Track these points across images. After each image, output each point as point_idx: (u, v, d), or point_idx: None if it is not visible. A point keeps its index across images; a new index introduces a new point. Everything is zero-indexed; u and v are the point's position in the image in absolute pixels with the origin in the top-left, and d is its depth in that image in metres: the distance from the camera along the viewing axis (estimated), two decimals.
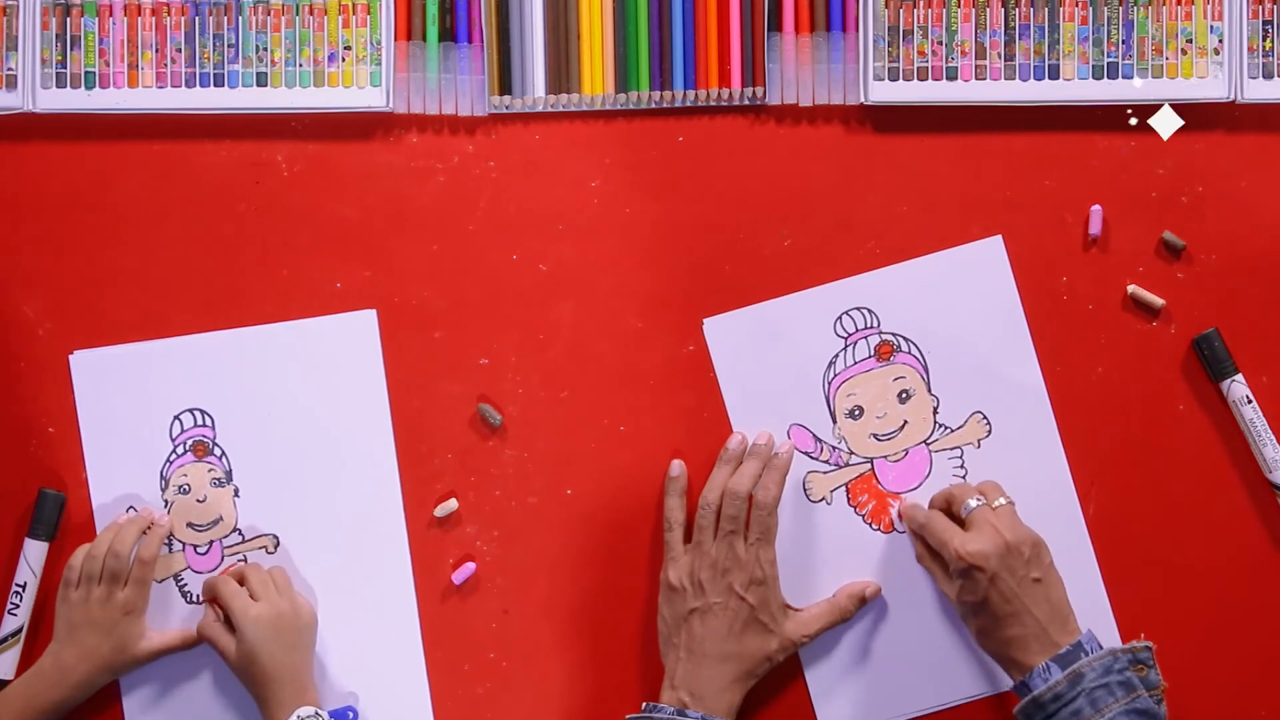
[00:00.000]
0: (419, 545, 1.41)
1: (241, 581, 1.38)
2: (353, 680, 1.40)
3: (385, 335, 1.41)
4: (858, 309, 1.41)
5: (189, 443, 1.42)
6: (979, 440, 1.40)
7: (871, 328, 1.41)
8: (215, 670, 1.40)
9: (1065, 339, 1.41)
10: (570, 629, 1.41)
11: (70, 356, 1.41)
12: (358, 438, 1.41)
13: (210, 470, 1.41)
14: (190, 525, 1.41)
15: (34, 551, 1.39)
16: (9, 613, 1.39)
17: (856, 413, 1.41)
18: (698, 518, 1.37)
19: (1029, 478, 1.38)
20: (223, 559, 1.41)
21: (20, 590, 1.39)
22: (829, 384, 1.41)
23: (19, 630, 1.39)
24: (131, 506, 1.41)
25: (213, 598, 1.38)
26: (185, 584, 1.41)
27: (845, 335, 1.41)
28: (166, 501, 1.41)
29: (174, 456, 1.42)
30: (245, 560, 1.41)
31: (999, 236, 1.41)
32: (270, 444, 1.41)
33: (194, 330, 1.41)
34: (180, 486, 1.41)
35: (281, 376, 1.41)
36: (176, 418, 1.41)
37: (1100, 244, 1.41)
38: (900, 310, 1.41)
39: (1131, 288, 1.41)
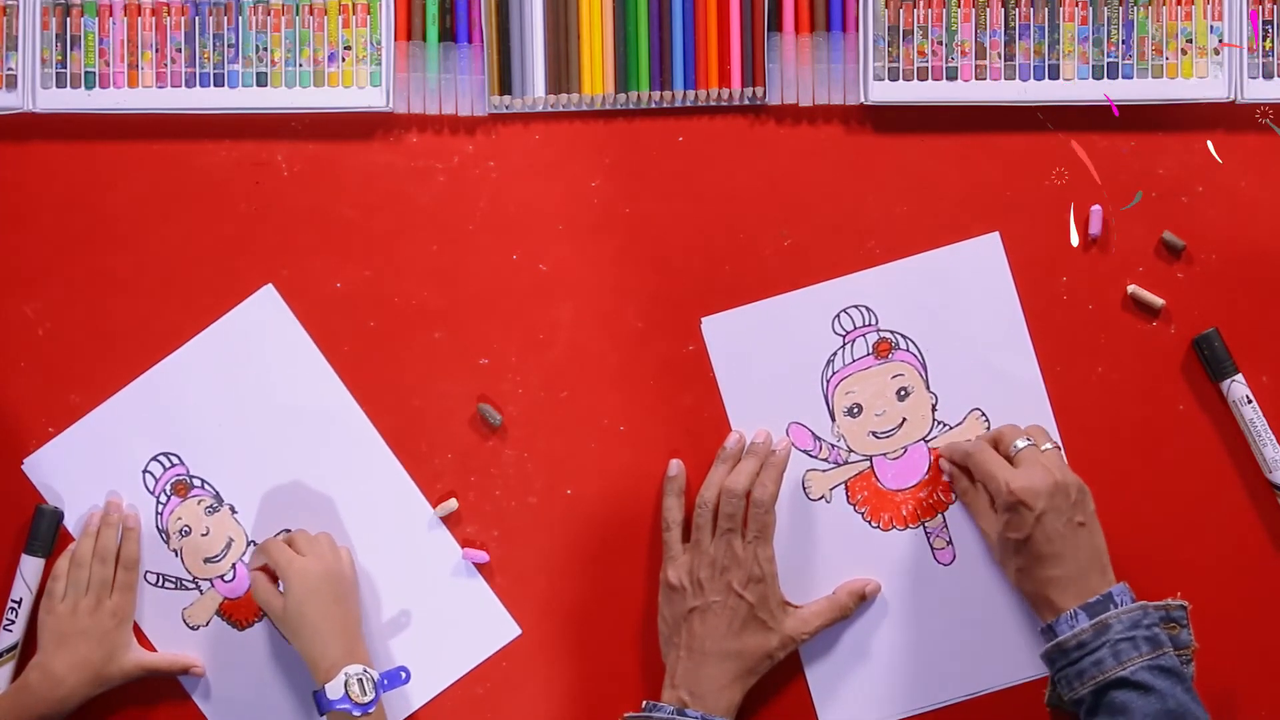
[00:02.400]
0: None
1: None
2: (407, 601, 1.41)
3: (385, 335, 1.41)
4: (855, 307, 1.41)
5: (168, 487, 1.41)
6: (978, 437, 1.40)
7: (869, 325, 1.41)
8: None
9: (1065, 339, 1.41)
10: (570, 629, 1.41)
11: (22, 465, 1.41)
12: (316, 407, 1.41)
13: (200, 502, 1.41)
14: (207, 560, 1.41)
15: (30, 568, 1.39)
16: (4, 628, 1.39)
17: (855, 410, 1.41)
18: (695, 516, 1.37)
19: None
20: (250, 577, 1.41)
21: (16, 606, 1.39)
22: (827, 382, 1.41)
23: (14, 646, 1.39)
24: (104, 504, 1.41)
25: (261, 565, 1.38)
26: (229, 615, 1.42)
27: (843, 333, 1.41)
28: (175, 550, 1.41)
29: (160, 507, 1.41)
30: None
31: (996, 233, 1.41)
32: (240, 452, 1.41)
33: (193, 331, 1.41)
34: (181, 530, 1.41)
35: (216, 387, 1.41)
36: (145, 470, 1.41)
37: (1100, 244, 1.41)
38: (898, 308, 1.41)
39: (1131, 288, 1.41)
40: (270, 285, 1.41)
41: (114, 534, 1.39)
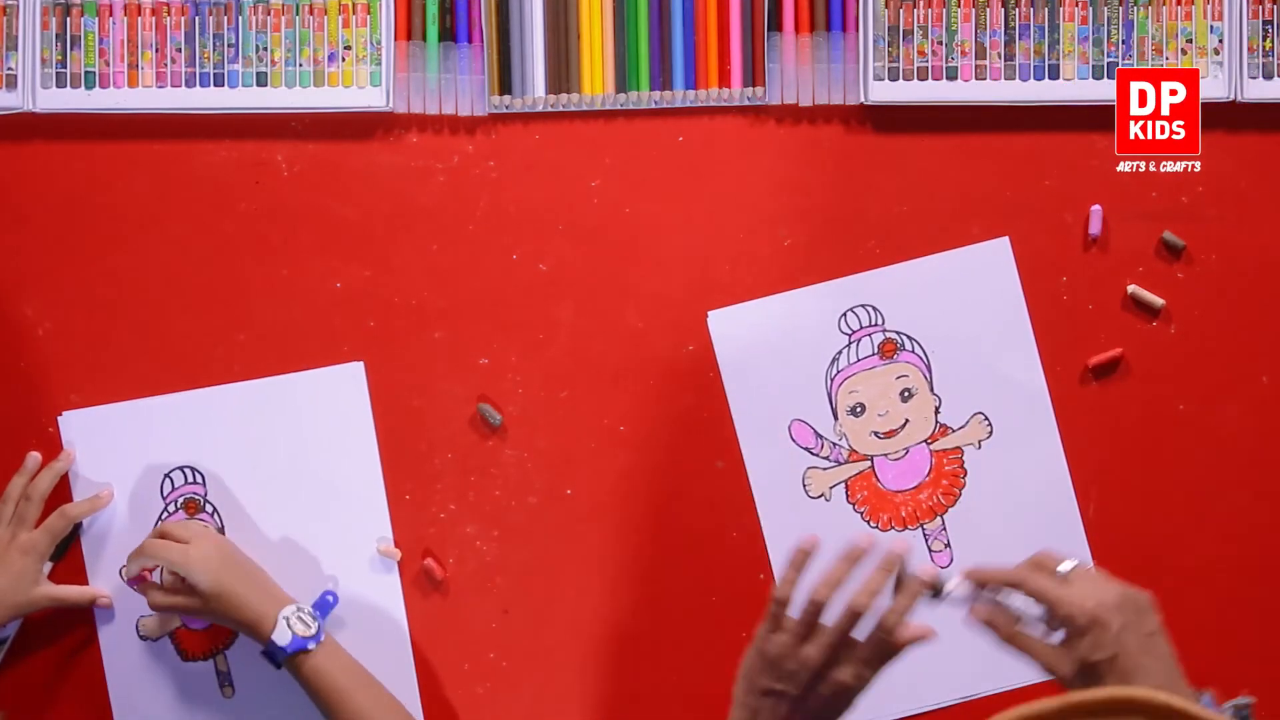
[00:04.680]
0: (418, 540, 1.41)
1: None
2: None
3: (385, 335, 1.41)
4: (863, 306, 1.41)
5: (180, 500, 1.41)
6: (980, 441, 1.40)
7: (876, 325, 1.41)
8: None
9: (1065, 339, 1.41)
10: (570, 628, 1.41)
11: (59, 417, 1.40)
12: (348, 490, 1.41)
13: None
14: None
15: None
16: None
17: (858, 410, 1.41)
18: (804, 610, 1.17)
19: (1028, 479, 1.38)
20: None
21: None
22: (831, 380, 1.41)
23: (4, 640, 1.39)
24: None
25: (137, 575, 1.37)
26: (179, 641, 1.42)
27: (849, 332, 1.41)
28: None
29: (165, 514, 1.41)
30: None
31: (1006, 238, 1.41)
32: (260, 499, 1.41)
33: (191, 333, 1.41)
34: None
35: (271, 431, 1.41)
36: (167, 475, 1.41)
37: (1100, 244, 1.41)
38: (905, 309, 1.41)
39: (1131, 288, 1.41)
40: (361, 364, 1.41)
41: (51, 479, 1.39)
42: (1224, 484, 1.41)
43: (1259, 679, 1.40)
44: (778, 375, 1.41)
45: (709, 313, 1.41)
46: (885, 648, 1.18)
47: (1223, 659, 1.40)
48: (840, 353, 1.41)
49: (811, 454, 1.41)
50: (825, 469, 1.41)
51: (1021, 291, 1.41)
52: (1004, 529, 1.40)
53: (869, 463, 1.41)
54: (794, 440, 1.40)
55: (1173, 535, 1.41)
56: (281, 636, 1.31)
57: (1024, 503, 1.37)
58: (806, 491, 1.41)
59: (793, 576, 1.18)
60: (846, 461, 1.41)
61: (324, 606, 1.37)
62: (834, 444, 1.41)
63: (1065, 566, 1.17)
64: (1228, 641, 1.40)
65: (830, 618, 1.16)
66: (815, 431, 1.41)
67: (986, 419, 1.41)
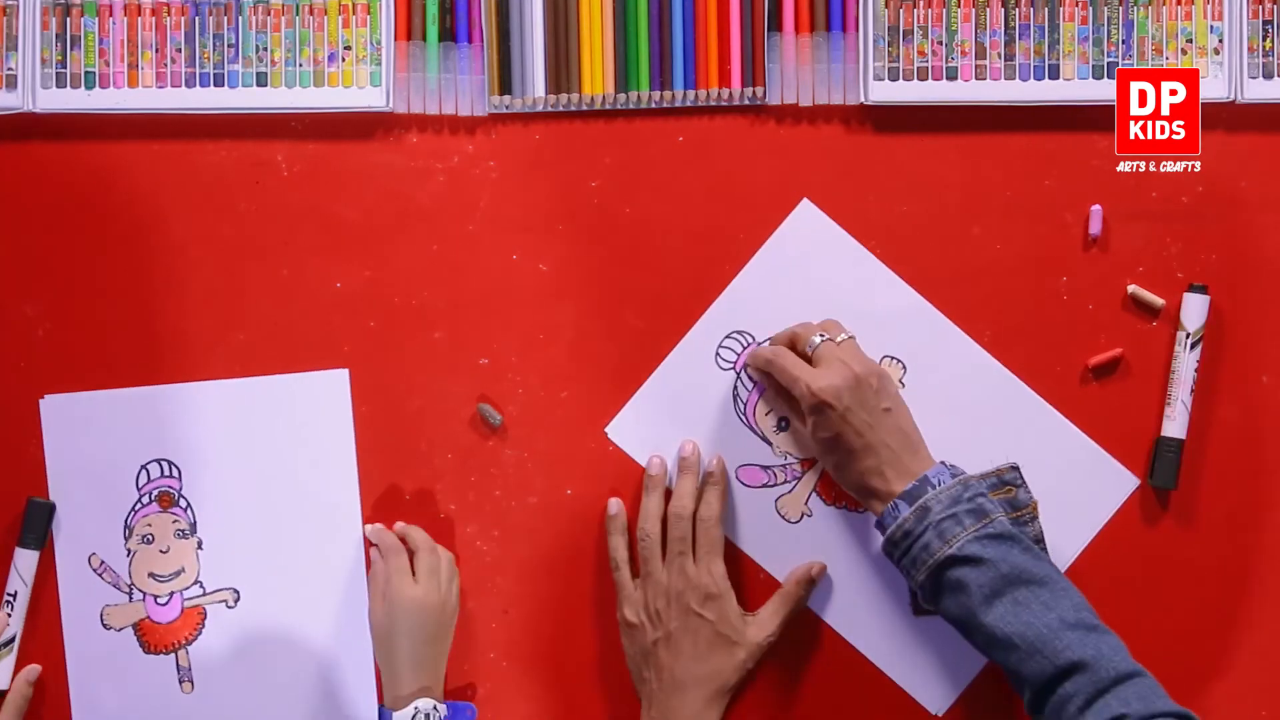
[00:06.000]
0: None
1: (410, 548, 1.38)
2: None
3: (385, 335, 1.41)
4: (729, 336, 1.40)
5: (155, 493, 1.41)
6: (900, 379, 1.40)
7: (750, 345, 1.41)
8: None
9: (1066, 339, 1.41)
10: (570, 629, 1.41)
11: (40, 401, 1.40)
12: (324, 496, 1.41)
13: (175, 521, 1.41)
14: (152, 575, 1.41)
15: (24, 561, 1.39)
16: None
17: (783, 424, 1.40)
18: (640, 549, 1.37)
19: (964, 383, 1.40)
20: (182, 610, 1.41)
21: (11, 600, 1.39)
22: (744, 414, 1.40)
23: (12, 639, 1.39)
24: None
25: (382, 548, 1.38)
26: (143, 634, 1.41)
27: (730, 364, 1.41)
28: (130, 550, 1.40)
29: (139, 506, 1.41)
30: (204, 612, 1.41)
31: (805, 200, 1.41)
32: (236, 498, 1.41)
33: (191, 334, 1.41)
34: (144, 536, 1.41)
35: (251, 432, 1.41)
36: (144, 467, 1.41)
37: (1100, 244, 1.41)
38: (761, 315, 1.40)
39: (1131, 288, 1.41)
40: (346, 371, 1.41)
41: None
42: (1223, 485, 1.41)
43: (1264, 678, 1.40)
44: (700, 439, 1.40)
45: (606, 429, 1.41)
46: (712, 534, 1.35)
47: (1227, 660, 1.40)
48: (735, 386, 1.41)
49: (770, 487, 1.40)
50: (791, 491, 1.40)
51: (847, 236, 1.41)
52: (961, 445, 1.38)
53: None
54: (748, 486, 1.40)
55: (1172, 535, 1.41)
56: (402, 717, 1.30)
57: (966, 403, 1.38)
58: (786, 519, 1.41)
59: (618, 542, 1.39)
60: (805, 473, 1.41)
61: (459, 715, 1.34)
62: (783, 465, 1.40)
63: (815, 341, 1.33)
64: (1231, 641, 1.40)
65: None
66: (761, 466, 1.40)
67: (894, 358, 1.40)
